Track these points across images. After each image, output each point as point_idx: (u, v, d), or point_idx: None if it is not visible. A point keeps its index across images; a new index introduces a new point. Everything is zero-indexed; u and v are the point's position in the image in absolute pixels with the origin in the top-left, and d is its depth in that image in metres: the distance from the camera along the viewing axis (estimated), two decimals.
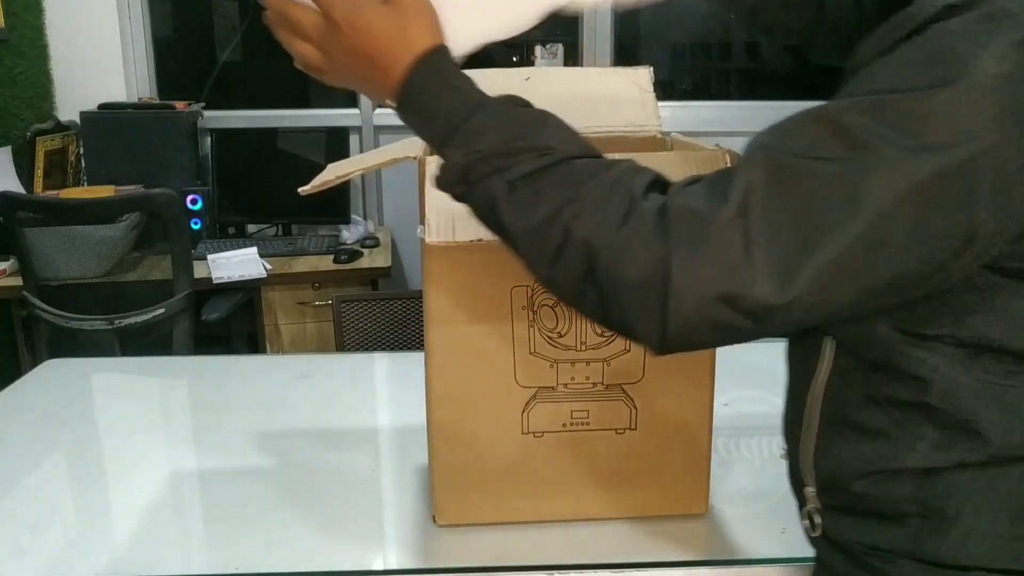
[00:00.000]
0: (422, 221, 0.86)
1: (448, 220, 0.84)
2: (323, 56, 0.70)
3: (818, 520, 0.75)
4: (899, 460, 0.67)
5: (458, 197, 0.68)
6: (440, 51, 0.69)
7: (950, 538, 0.66)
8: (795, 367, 0.76)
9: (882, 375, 0.67)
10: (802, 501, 0.77)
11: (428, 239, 0.85)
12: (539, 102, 1.01)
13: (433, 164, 0.87)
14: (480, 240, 0.83)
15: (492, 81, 1.04)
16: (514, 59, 3.19)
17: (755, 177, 0.59)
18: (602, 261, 0.60)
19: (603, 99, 1.03)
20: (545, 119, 0.68)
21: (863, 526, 0.71)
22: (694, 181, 0.63)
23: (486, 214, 0.67)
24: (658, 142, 1.01)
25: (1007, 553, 0.65)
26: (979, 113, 0.55)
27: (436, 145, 0.68)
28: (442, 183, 0.68)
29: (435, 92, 0.68)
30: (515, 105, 0.69)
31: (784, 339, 0.76)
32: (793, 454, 0.78)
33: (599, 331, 0.91)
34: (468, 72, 0.93)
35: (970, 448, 0.65)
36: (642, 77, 1.06)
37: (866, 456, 0.69)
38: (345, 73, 0.71)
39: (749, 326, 0.59)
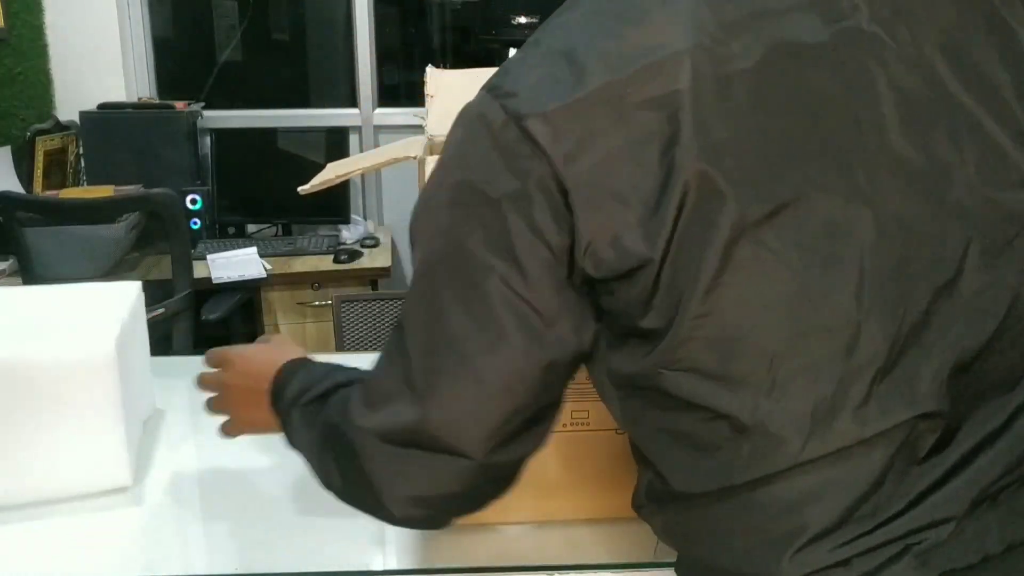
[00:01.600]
0: None
1: None
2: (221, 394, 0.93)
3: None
4: (638, 500, 0.72)
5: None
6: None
7: (680, 563, 0.71)
8: None
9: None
10: None
11: None
12: None
13: (433, 164, 0.87)
14: None
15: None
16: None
17: None
18: None
19: None
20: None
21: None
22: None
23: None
24: None
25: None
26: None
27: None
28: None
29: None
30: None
31: None
32: None
33: None
34: (471, 71, 0.95)
35: (663, 488, 0.67)
36: None
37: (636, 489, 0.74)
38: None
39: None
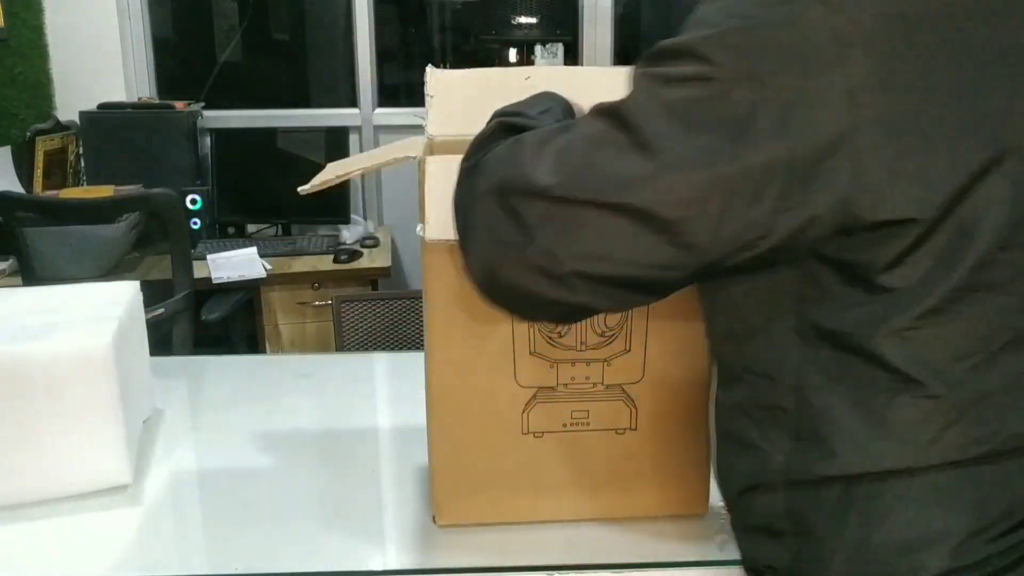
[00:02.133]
0: (422, 220, 0.86)
1: (447, 217, 0.84)
2: None
3: (725, 538, 0.78)
4: (766, 474, 0.68)
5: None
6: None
7: (820, 556, 0.66)
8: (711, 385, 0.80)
9: (747, 379, 0.69)
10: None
11: (427, 236, 0.85)
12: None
13: (433, 164, 0.87)
14: None
15: (492, 80, 1.04)
16: (512, 60, 3.19)
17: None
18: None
19: (602, 96, 1.03)
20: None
21: (757, 543, 0.72)
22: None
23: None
24: None
25: (872, 572, 0.64)
26: None
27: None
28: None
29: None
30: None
31: None
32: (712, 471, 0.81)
33: (599, 331, 0.91)
34: (472, 71, 0.95)
35: (821, 460, 0.65)
36: None
37: (744, 469, 0.71)
38: None
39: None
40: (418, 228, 0.86)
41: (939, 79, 0.59)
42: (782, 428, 0.67)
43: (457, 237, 0.74)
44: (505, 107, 0.79)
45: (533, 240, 0.64)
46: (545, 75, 1.07)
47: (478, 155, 0.73)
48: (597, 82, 1.07)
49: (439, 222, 0.84)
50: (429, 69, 1.02)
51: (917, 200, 0.59)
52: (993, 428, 0.61)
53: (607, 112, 0.65)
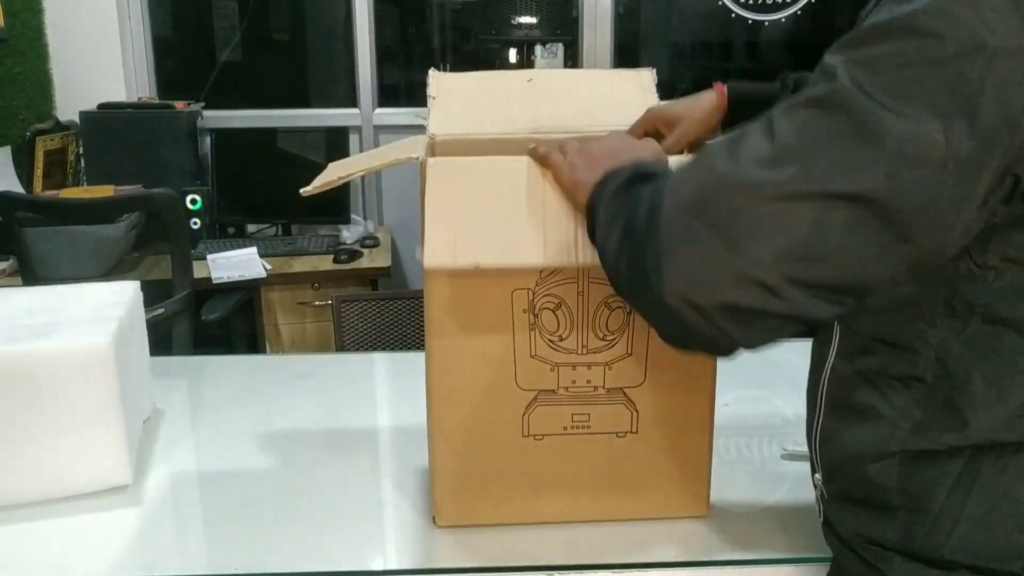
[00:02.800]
0: (422, 239, 0.85)
1: (448, 244, 0.84)
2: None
3: (822, 507, 0.75)
4: (886, 443, 0.67)
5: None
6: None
7: (934, 532, 0.65)
8: (814, 353, 0.78)
9: (878, 349, 0.67)
10: (817, 489, 0.78)
11: (426, 263, 0.84)
12: (541, 103, 1.01)
13: (435, 166, 0.87)
14: (478, 266, 0.84)
15: (495, 82, 1.05)
16: (512, 60, 3.19)
17: None
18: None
19: (604, 100, 1.03)
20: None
21: (859, 517, 0.71)
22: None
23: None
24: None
25: (991, 550, 0.64)
26: None
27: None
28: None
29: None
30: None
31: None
32: (808, 441, 0.79)
33: (600, 335, 0.91)
34: (474, 74, 0.95)
35: (950, 430, 0.64)
36: (645, 79, 1.06)
37: (858, 439, 0.69)
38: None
39: None
40: (417, 252, 0.86)
41: None
42: (914, 398, 0.66)
43: (625, 289, 0.69)
44: (614, 178, 0.74)
45: (740, 250, 0.59)
46: (547, 78, 1.07)
47: (619, 206, 0.69)
48: (598, 85, 1.07)
49: (438, 250, 0.84)
50: (432, 73, 1.02)
51: None
52: None
53: (815, 102, 0.59)
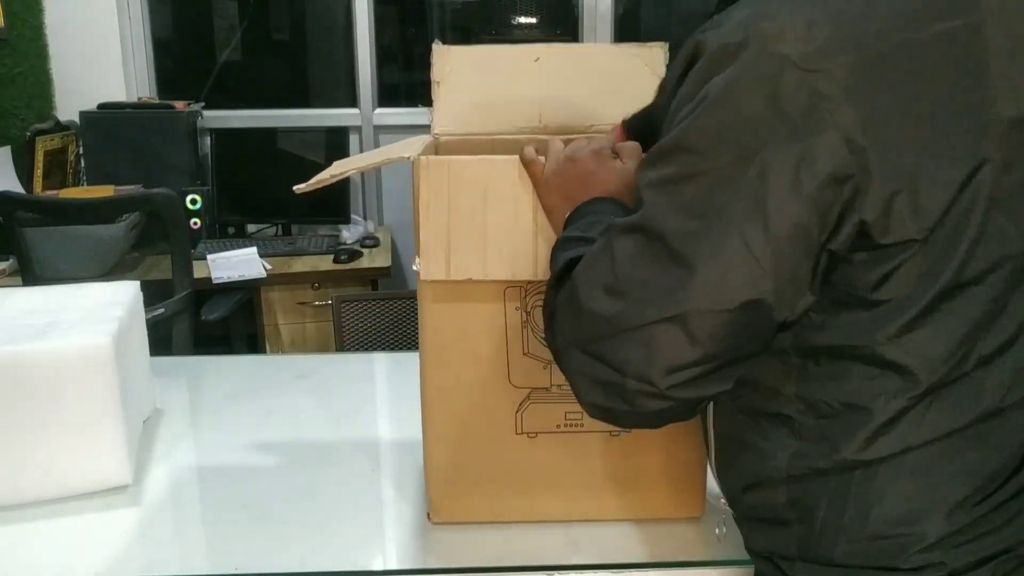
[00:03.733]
0: (417, 240, 0.86)
1: (442, 258, 0.84)
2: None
3: (725, 529, 0.84)
4: (770, 472, 0.73)
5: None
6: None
7: (823, 541, 0.70)
8: None
9: (750, 391, 0.73)
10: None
11: (422, 276, 0.86)
12: (547, 83, 0.99)
13: (427, 165, 0.86)
14: (471, 280, 0.85)
15: (502, 58, 1.02)
16: None
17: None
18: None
19: (611, 83, 1.01)
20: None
21: (764, 533, 0.76)
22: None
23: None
24: None
25: (874, 551, 0.68)
26: None
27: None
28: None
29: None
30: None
31: None
32: (711, 470, 0.86)
33: None
34: (479, 48, 0.94)
35: (821, 456, 0.69)
36: (656, 57, 1.04)
37: (748, 468, 0.75)
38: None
39: None
40: (415, 263, 0.86)
41: (918, 105, 0.63)
42: (787, 431, 0.71)
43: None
44: (567, 235, 0.80)
45: (626, 373, 0.67)
46: (554, 55, 1.04)
47: (554, 301, 0.75)
48: (606, 61, 1.05)
49: (434, 263, 0.85)
50: (435, 48, 0.99)
51: (918, 220, 0.63)
52: (972, 403, 0.67)
53: (632, 228, 0.68)
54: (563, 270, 0.75)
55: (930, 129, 0.63)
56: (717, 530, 0.93)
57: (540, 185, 0.86)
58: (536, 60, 1.01)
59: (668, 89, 0.73)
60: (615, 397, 0.68)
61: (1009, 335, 0.67)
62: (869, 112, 0.62)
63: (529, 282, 0.88)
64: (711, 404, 0.80)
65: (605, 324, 0.67)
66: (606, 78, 1.02)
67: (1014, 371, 0.67)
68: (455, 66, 0.98)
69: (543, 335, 0.79)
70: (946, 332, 0.65)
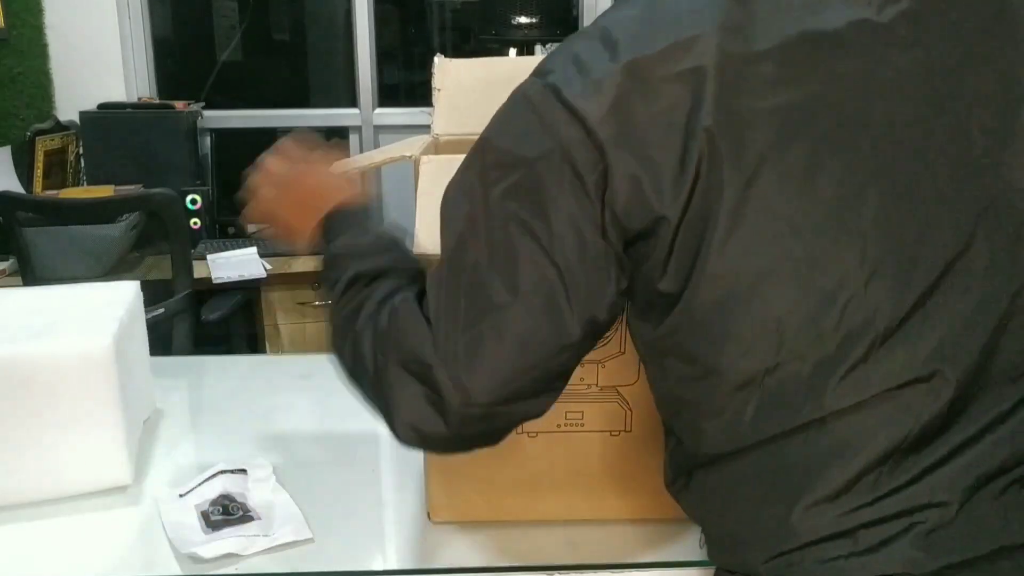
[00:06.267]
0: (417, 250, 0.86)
1: (437, 234, 0.84)
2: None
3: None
4: (668, 475, 0.77)
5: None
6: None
7: (709, 542, 0.74)
8: None
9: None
10: None
11: (416, 251, 0.85)
12: None
13: (427, 163, 0.87)
14: None
15: (502, 67, 1.03)
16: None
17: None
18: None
19: None
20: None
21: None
22: None
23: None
24: None
25: (728, 553, 0.71)
26: None
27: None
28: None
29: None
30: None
31: None
32: None
33: None
34: (479, 60, 0.96)
35: (685, 455, 0.72)
36: None
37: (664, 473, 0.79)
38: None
39: None
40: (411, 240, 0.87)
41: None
42: (668, 436, 0.78)
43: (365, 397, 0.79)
44: (338, 252, 0.84)
45: (444, 398, 0.68)
46: None
47: (347, 325, 0.82)
48: None
49: (429, 239, 0.84)
50: (437, 59, 1.00)
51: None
52: (793, 408, 0.64)
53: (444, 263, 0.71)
54: (347, 286, 0.79)
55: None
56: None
57: (259, 207, 0.90)
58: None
59: None
60: (436, 426, 0.70)
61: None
62: (609, 119, 0.63)
63: None
64: None
65: (436, 355, 0.68)
66: None
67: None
68: (456, 75, 0.99)
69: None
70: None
